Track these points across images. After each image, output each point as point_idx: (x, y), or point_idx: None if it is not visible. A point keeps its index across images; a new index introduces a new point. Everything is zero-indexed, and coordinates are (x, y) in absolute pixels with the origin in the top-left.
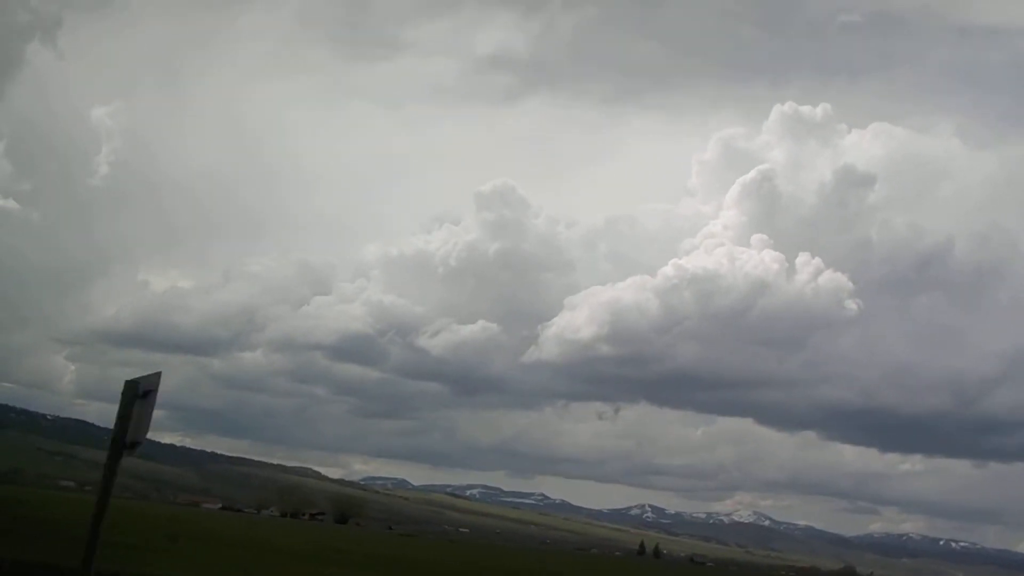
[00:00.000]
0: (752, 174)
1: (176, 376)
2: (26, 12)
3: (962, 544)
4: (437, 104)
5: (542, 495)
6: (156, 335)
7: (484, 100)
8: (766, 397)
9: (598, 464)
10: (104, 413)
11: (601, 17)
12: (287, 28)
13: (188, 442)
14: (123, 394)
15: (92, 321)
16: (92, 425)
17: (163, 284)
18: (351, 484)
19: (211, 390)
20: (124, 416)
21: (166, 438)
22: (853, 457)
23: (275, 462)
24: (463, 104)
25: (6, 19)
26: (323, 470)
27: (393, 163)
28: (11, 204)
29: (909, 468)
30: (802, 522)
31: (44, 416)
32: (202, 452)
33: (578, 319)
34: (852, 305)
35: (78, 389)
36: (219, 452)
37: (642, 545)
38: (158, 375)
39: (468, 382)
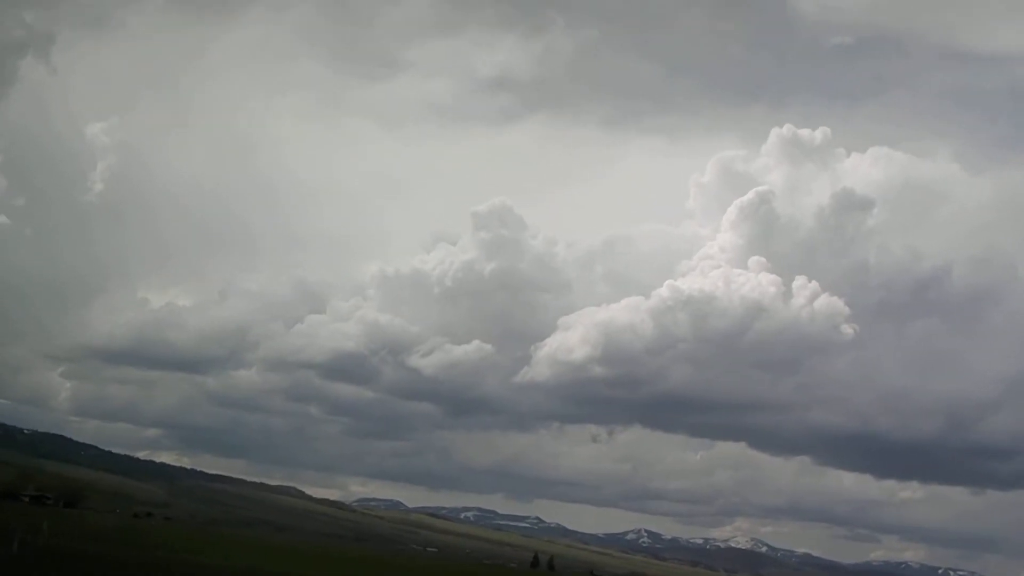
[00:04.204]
0: (750, 196)
1: (172, 395)
2: (20, 28)
3: (961, 573)
4: (437, 123)
5: (537, 518)
6: (150, 352)
7: (483, 120)
8: (759, 421)
9: (594, 488)
10: (99, 431)
11: (602, 40)
12: (286, 45)
13: (185, 461)
14: None
15: (87, 338)
16: (69, 440)
17: (161, 301)
18: (342, 506)
19: (206, 409)
20: None
21: (163, 457)
22: (850, 483)
23: (257, 480)
24: (462, 124)
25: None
26: (313, 491)
27: (392, 182)
28: (4, 220)
29: (908, 496)
30: (801, 549)
31: (21, 430)
32: (180, 468)
33: (571, 340)
34: (848, 329)
35: (73, 407)
36: (198, 469)
37: (536, 558)
38: None
39: (461, 403)
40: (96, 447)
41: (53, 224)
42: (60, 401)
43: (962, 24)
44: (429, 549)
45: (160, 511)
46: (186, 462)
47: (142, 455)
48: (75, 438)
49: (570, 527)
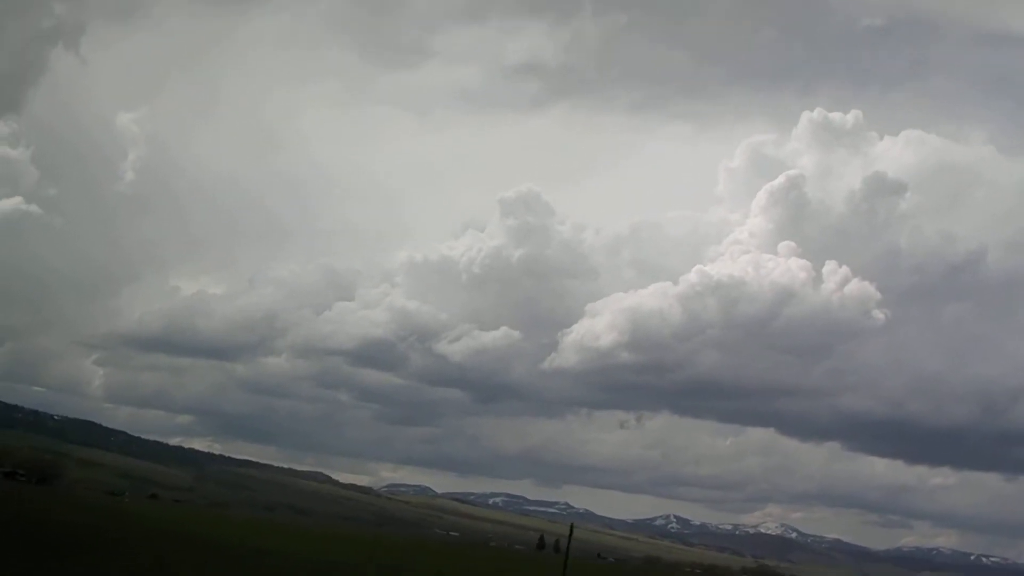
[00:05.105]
0: (780, 180)
1: (202, 382)
2: (49, 18)
3: (993, 559)
4: (464, 110)
5: (566, 504)
6: (181, 340)
7: (511, 107)
8: (789, 407)
9: (623, 474)
10: (132, 418)
11: (630, 26)
12: (314, 33)
13: (216, 448)
14: None
15: (119, 326)
16: (99, 426)
17: (192, 289)
18: (368, 491)
19: (237, 395)
20: None
21: (195, 443)
22: (882, 469)
23: (284, 465)
24: (490, 111)
25: (29, 25)
26: (343, 477)
27: (420, 169)
28: (36, 210)
29: (940, 481)
30: (831, 535)
31: (52, 416)
32: (209, 455)
33: (598, 326)
34: (879, 315)
35: (106, 394)
36: (227, 455)
37: (542, 539)
38: None
39: (488, 389)
40: (126, 433)
41: (85, 214)
42: (93, 388)
43: (996, 5)
44: (452, 533)
45: (179, 495)
46: (217, 448)
47: (174, 441)
48: (106, 424)
49: (599, 513)
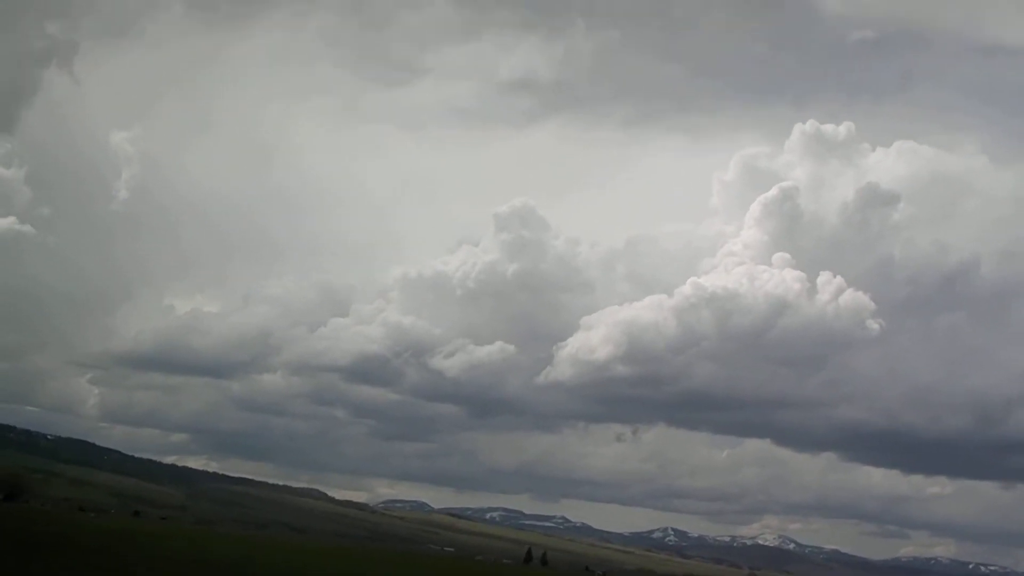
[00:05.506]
0: (773, 192)
1: (197, 400)
2: (42, 38)
3: (992, 568)
4: (458, 126)
5: (563, 518)
6: (176, 358)
7: (505, 122)
8: (785, 418)
9: (620, 487)
10: (127, 437)
11: (623, 40)
12: (307, 51)
13: (212, 466)
14: None
15: (114, 345)
16: (92, 445)
17: (187, 307)
18: (363, 507)
19: (232, 413)
20: None
21: (190, 462)
22: (878, 479)
23: (280, 483)
24: (484, 126)
25: (22, 45)
26: (339, 493)
27: (414, 185)
28: (30, 229)
29: (937, 491)
30: (829, 546)
31: (45, 436)
32: (203, 472)
33: (593, 339)
34: (874, 325)
35: (101, 413)
36: (222, 473)
37: (529, 553)
38: None
39: (484, 404)
40: (119, 451)
41: (79, 233)
42: (88, 408)
43: (986, 16)
44: (447, 549)
45: (170, 512)
46: (213, 467)
47: (169, 460)
48: (100, 444)
49: (596, 526)
